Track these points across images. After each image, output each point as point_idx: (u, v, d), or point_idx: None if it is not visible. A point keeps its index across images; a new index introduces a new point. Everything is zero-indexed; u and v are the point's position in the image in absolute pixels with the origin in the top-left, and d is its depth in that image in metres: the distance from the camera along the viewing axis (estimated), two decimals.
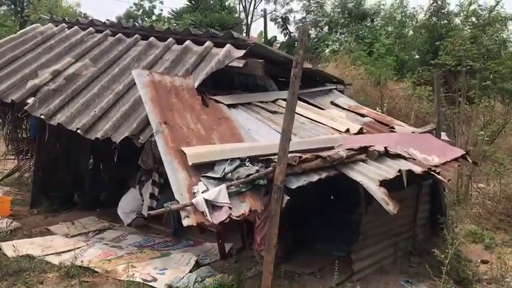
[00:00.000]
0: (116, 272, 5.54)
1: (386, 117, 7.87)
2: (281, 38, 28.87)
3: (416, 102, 16.57)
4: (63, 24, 8.15)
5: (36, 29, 8.21)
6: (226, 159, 4.84)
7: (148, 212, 4.49)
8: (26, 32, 8.13)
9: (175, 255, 6.28)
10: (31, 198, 8.23)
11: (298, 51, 4.62)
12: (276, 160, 4.66)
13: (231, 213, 4.40)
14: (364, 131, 6.61)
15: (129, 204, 7.80)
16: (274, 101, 6.76)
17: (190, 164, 4.74)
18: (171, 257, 6.13)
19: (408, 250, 6.69)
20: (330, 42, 24.23)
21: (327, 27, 26.19)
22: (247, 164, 4.88)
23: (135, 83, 6.21)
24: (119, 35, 7.51)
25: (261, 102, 6.53)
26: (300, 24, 26.38)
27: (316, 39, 24.65)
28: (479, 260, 6.82)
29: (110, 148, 9.04)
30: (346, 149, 5.24)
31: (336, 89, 8.39)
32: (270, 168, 4.73)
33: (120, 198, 8.37)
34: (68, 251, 6.11)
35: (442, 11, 20.27)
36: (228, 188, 4.51)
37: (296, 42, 24.68)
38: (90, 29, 7.83)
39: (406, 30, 24.32)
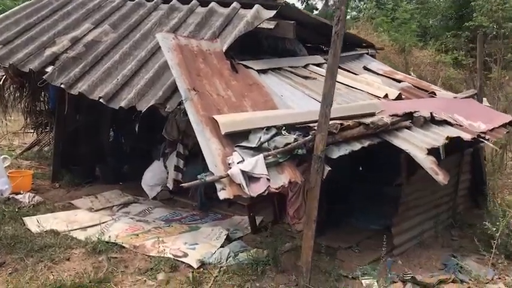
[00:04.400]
0: (144, 247, 5.29)
1: (423, 82, 7.40)
2: (298, 6, 28.07)
3: (443, 69, 15.97)
4: None
5: None
6: (261, 128, 4.48)
7: (182, 184, 4.12)
8: None
9: (204, 229, 6.02)
10: (52, 172, 8.01)
11: (340, 7, 4.18)
12: (315, 128, 4.30)
13: (269, 185, 4.07)
14: (403, 96, 6.18)
15: (153, 177, 7.52)
16: (305, 66, 6.36)
17: (223, 133, 4.39)
18: (200, 231, 5.87)
19: (449, 223, 6.33)
20: (349, 10, 23.40)
21: None
22: (283, 132, 4.52)
23: (158, 49, 5.88)
24: None
25: (292, 67, 6.12)
26: None
27: (334, 7, 23.84)
28: None
29: (131, 118, 8.83)
30: (390, 115, 4.84)
31: (367, 53, 7.92)
32: (309, 136, 4.37)
33: (143, 171, 8.11)
34: (94, 225, 5.89)
35: None
36: (265, 158, 4.17)
37: (314, 10, 23.99)
38: None
39: None
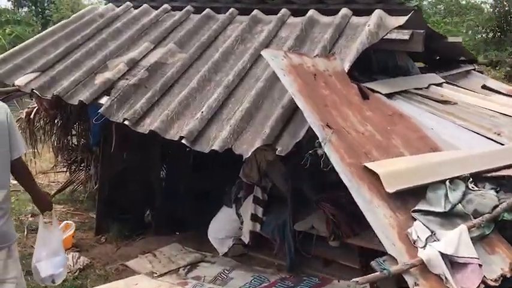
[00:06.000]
0: None
1: None
2: None
3: None
4: (128, 3, 6.42)
5: (93, 11, 6.51)
6: (442, 181, 3.07)
7: (357, 280, 2.65)
8: (81, 15, 6.43)
9: None
10: (96, 223, 6.61)
11: None
12: None
13: (484, 275, 2.64)
14: None
15: (223, 228, 6.10)
16: (427, 87, 4.97)
17: (390, 191, 2.98)
18: None
19: None
20: None
21: None
22: (471, 186, 3.10)
23: (248, 72, 4.55)
24: (207, 10, 5.72)
25: (416, 89, 4.74)
26: None
27: None
28: None
29: (185, 153, 7.45)
30: None
31: (473, 69, 6.53)
32: None
33: (203, 217, 6.76)
34: None
35: None
36: (468, 230, 2.75)
37: None
38: (165, 6, 6.08)
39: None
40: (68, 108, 6.96)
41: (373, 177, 3.08)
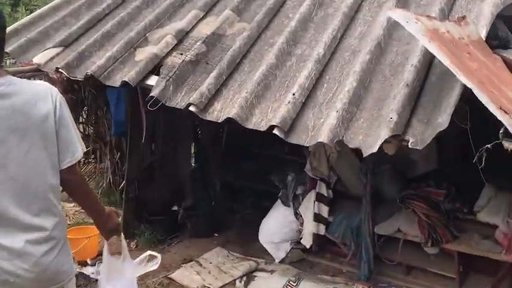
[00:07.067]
0: None
1: None
2: None
3: None
4: None
5: None
6: None
7: None
8: None
9: None
10: (123, 226, 5.61)
11: None
12: None
13: None
14: None
15: (278, 230, 5.23)
16: None
17: None
18: None
19: None
20: None
21: None
22: None
23: (340, 44, 3.62)
24: None
25: None
26: None
27: None
28: None
29: (219, 141, 6.53)
30: None
31: None
32: None
33: (241, 214, 5.97)
34: None
35: None
36: None
37: None
38: None
39: None
40: (83, 91, 5.97)
41: None
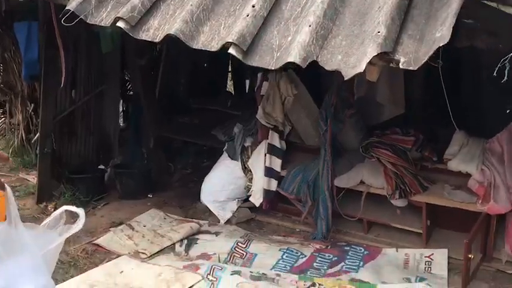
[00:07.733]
0: None
1: None
2: None
3: None
4: None
5: None
6: None
7: None
8: None
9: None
10: (38, 186, 4.76)
11: None
12: None
13: None
14: None
15: (223, 187, 4.58)
16: None
17: None
18: None
19: None
20: None
21: None
22: None
23: None
24: None
25: None
26: None
27: None
28: None
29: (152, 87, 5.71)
30: None
31: None
32: None
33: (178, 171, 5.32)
34: None
35: None
36: None
37: None
38: None
39: None
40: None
41: None
